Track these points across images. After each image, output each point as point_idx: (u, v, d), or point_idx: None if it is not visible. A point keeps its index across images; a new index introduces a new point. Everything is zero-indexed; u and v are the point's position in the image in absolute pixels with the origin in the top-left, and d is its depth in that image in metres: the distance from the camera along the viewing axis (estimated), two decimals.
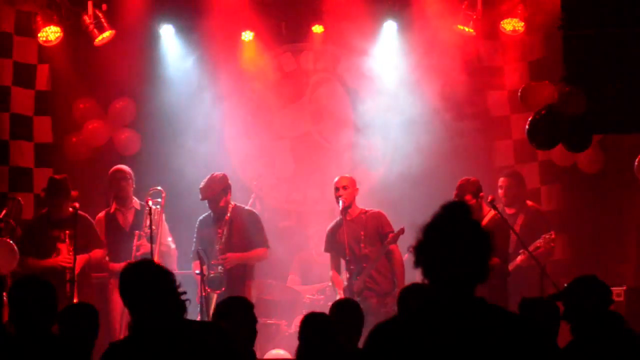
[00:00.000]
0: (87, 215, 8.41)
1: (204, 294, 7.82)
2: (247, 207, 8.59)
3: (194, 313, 7.68)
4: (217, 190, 8.18)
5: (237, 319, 4.80)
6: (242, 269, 8.24)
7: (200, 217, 8.44)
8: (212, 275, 8.00)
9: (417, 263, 2.87)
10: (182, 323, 3.73)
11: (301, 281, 9.55)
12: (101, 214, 8.72)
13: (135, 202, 8.70)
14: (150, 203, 8.28)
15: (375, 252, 8.10)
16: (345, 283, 8.13)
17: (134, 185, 8.68)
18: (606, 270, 9.10)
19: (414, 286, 5.29)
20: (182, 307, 3.74)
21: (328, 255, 8.42)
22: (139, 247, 8.37)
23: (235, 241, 8.23)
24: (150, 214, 8.17)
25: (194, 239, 8.41)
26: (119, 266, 7.92)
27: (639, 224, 9.28)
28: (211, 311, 7.77)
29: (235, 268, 8.17)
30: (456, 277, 2.82)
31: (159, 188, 8.49)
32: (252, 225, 8.33)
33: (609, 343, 4.37)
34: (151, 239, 8.14)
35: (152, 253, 7.99)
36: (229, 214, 8.24)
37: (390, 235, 8.06)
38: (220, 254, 8.14)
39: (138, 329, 3.69)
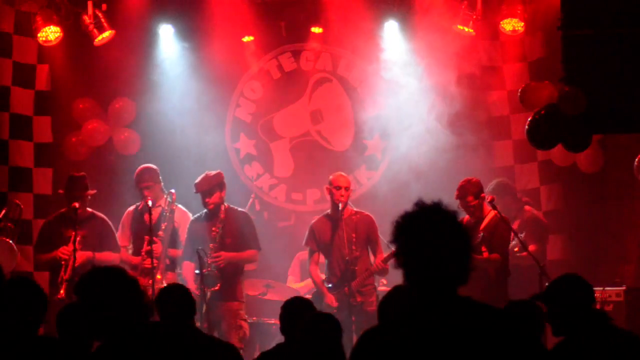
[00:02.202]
0: (105, 217, 8.43)
1: (197, 292, 7.86)
2: (240, 209, 8.59)
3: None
4: (213, 184, 8.26)
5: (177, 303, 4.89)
6: (233, 267, 8.31)
7: (193, 218, 8.52)
8: (205, 273, 8.04)
9: (398, 264, 2.85)
10: (149, 326, 3.74)
11: (301, 281, 9.56)
12: (131, 208, 8.76)
13: (164, 201, 8.63)
14: (172, 204, 8.43)
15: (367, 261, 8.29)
16: (327, 284, 8.29)
17: (161, 184, 8.66)
18: (606, 270, 9.10)
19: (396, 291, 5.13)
20: (147, 310, 3.76)
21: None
22: (148, 252, 8.34)
23: (228, 241, 8.31)
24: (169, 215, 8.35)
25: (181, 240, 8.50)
26: (136, 260, 8.43)
27: (639, 224, 9.27)
28: (204, 310, 7.87)
29: (227, 266, 8.23)
30: (437, 279, 2.78)
31: (172, 191, 8.52)
32: (246, 227, 8.40)
33: (597, 341, 4.34)
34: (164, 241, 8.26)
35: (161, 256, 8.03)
36: (223, 214, 8.30)
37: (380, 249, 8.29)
38: (214, 252, 8.20)
39: (108, 335, 3.69)
